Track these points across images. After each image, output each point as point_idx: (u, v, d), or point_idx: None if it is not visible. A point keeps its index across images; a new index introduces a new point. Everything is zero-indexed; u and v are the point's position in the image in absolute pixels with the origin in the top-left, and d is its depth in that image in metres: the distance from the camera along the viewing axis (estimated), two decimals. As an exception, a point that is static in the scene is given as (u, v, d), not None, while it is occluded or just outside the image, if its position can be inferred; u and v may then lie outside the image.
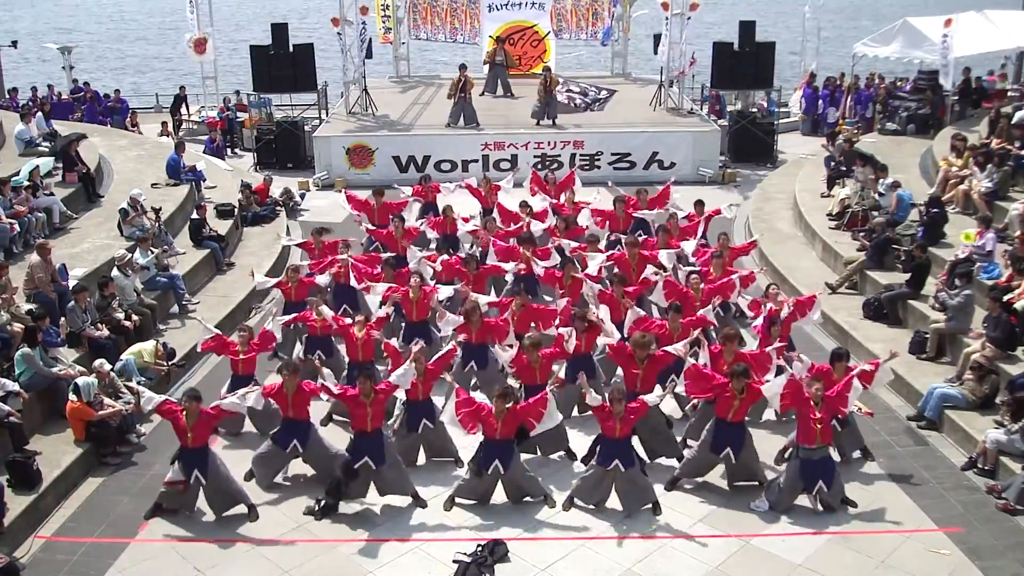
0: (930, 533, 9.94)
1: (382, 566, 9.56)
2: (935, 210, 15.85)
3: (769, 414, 12.07)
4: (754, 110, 24.81)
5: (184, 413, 10.00)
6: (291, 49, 23.75)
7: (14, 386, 11.27)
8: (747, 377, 10.26)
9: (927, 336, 13.25)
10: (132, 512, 10.41)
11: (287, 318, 12.81)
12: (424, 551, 9.76)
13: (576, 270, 13.56)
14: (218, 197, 19.91)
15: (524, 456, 10.79)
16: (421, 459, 11.35)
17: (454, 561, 9.49)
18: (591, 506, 10.37)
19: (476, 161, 22.32)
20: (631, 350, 10.95)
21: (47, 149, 19.13)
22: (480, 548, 9.62)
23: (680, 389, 11.08)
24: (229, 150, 25.95)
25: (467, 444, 10.89)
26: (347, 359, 12.45)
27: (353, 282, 13.89)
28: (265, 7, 69.36)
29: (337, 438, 11.13)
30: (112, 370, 12.24)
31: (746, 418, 10.60)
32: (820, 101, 26.97)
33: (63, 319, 12.97)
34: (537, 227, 15.51)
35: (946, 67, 22.15)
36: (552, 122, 22.98)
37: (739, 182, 22.47)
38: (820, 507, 10.30)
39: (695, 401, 11.55)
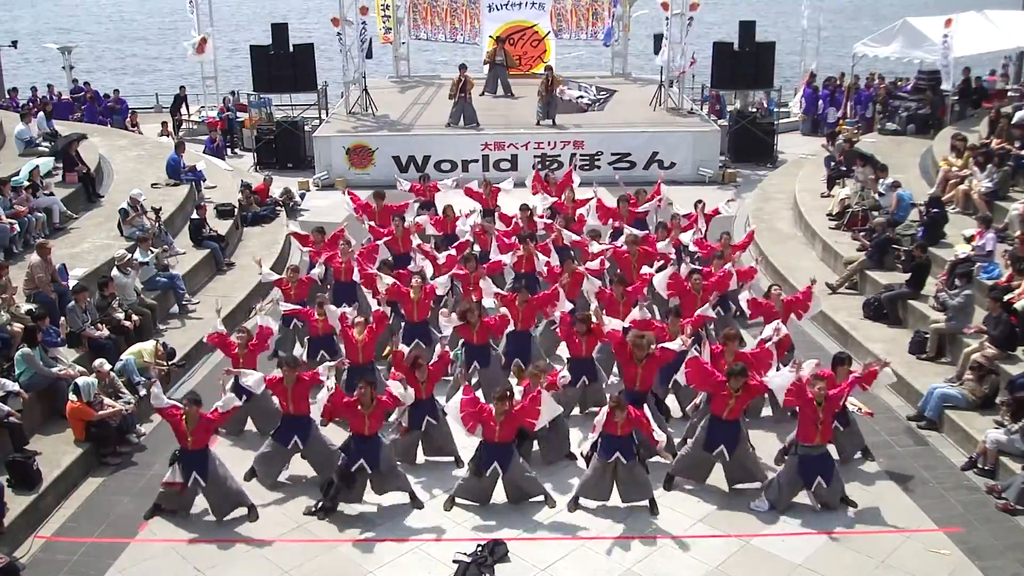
0: (930, 533, 9.94)
1: (382, 566, 9.56)
2: (935, 210, 15.86)
3: (767, 412, 12.09)
4: (753, 110, 24.81)
5: (184, 417, 10.01)
6: (291, 49, 23.74)
7: (14, 386, 11.27)
8: (745, 376, 10.27)
9: (927, 336, 13.25)
10: (132, 512, 10.41)
11: (288, 307, 12.98)
12: (424, 551, 9.76)
13: (574, 266, 13.61)
14: (218, 197, 19.91)
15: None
16: (420, 458, 11.36)
17: (454, 561, 9.49)
18: (593, 506, 10.37)
19: (476, 161, 22.32)
20: (630, 348, 10.95)
21: (47, 149, 19.14)
22: (480, 548, 9.62)
23: (680, 377, 11.08)
24: (229, 150, 25.94)
25: (467, 444, 10.89)
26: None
27: (356, 276, 13.94)
28: (265, 7, 69.40)
29: (338, 438, 11.09)
30: (112, 370, 12.24)
31: (746, 420, 10.60)
32: (820, 101, 26.97)
33: (63, 319, 12.96)
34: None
35: (947, 67, 22.17)
36: (552, 122, 22.99)
37: (739, 182, 22.47)
38: (818, 504, 10.30)
39: (696, 400, 11.58)
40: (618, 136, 22.66)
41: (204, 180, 20.52)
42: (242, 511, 10.31)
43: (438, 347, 11.36)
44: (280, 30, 23.72)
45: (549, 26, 27.24)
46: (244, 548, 9.85)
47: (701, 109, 25.77)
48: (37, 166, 17.41)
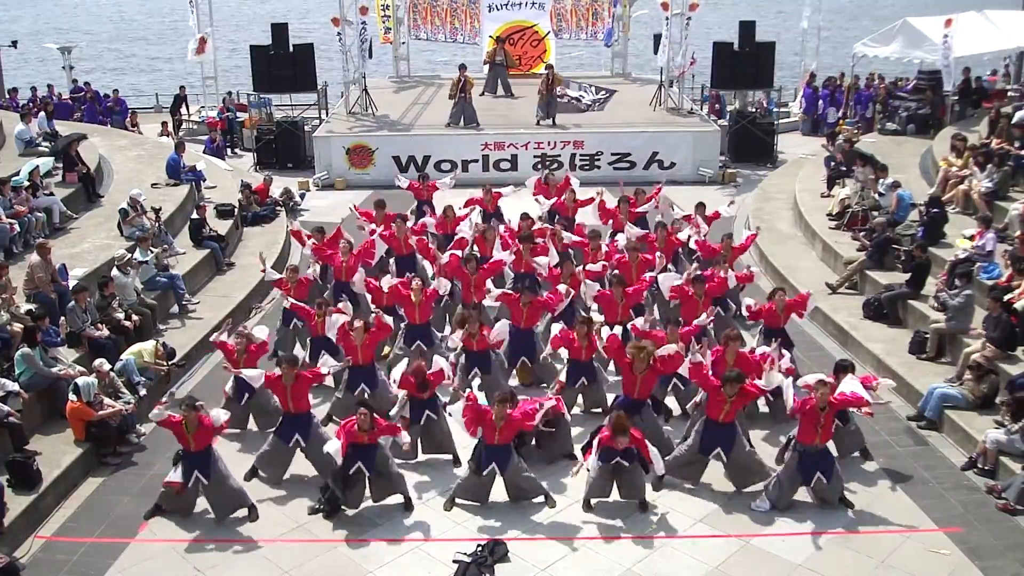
0: (930, 533, 9.94)
1: (382, 566, 9.56)
2: (935, 210, 15.85)
3: (765, 410, 12.10)
4: (753, 110, 24.81)
5: (184, 423, 9.99)
6: (291, 49, 23.73)
7: (14, 386, 11.27)
8: (740, 383, 10.30)
9: (927, 336, 13.25)
10: (132, 512, 10.41)
11: (293, 302, 13.00)
12: (424, 551, 9.76)
13: (574, 267, 13.62)
14: (218, 197, 19.91)
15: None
16: (420, 457, 11.36)
17: (454, 561, 9.49)
18: (593, 504, 10.37)
19: (476, 161, 22.32)
20: (630, 357, 10.95)
21: (47, 149, 19.13)
22: (480, 548, 9.62)
23: (683, 370, 11.09)
24: (229, 150, 25.94)
25: (467, 444, 10.89)
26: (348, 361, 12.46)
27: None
28: (265, 7, 69.45)
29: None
30: (112, 370, 12.24)
31: (743, 417, 10.62)
32: (820, 101, 26.97)
33: (63, 319, 12.96)
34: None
35: (947, 67, 22.17)
36: (552, 122, 22.99)
37: (739, 182, 22.47)
38: (817, 501, 10.30)
39: (696, 400, 11.58)
40: (618, 136, 22.66)
41: (204, 180, 20.52)
42: (241, 511, 10.30)
43: (445, 364, 11.33)
44: (280, 30, 23.71)
45: (549, 26, 27.25)
46: (244, 548, 9.85)
47: (701, 109, 25.77)
48: (37, 166, 17.41)
